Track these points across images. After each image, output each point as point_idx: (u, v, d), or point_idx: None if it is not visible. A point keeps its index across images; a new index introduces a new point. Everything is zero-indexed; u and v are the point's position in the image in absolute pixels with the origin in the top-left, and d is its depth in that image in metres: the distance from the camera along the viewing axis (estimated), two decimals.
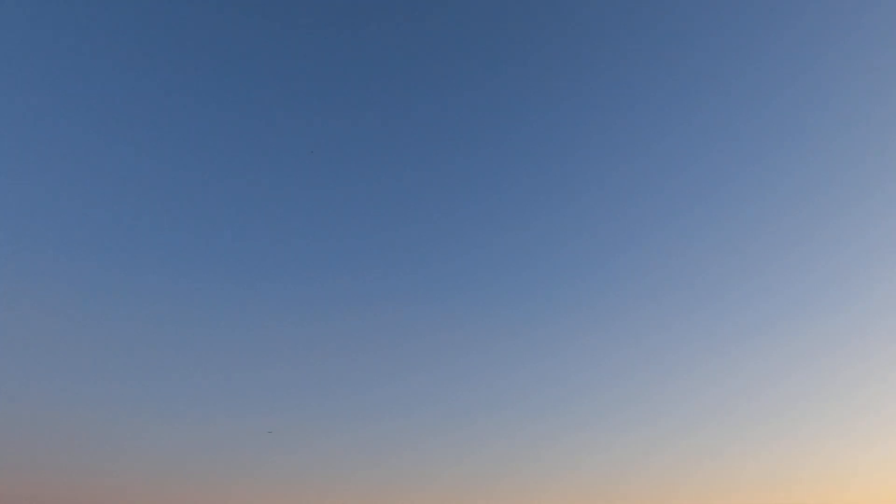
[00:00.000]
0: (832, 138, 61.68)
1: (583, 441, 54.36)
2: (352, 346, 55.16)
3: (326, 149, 60.62)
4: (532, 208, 66.48)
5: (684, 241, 63.18)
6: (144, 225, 53.31)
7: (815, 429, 51.25)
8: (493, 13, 59.15)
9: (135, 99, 52.35)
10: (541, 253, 66.45)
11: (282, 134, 57.11)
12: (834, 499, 44.36)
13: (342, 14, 55.45)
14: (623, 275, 62.27)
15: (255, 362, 54.73)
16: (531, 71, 59.48)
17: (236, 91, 56.27)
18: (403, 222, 61.67)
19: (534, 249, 66.41)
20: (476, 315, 59.93)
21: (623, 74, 61.53)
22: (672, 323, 60.61)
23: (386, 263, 60.44)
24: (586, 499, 49.57)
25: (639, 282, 63.18)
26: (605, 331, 61.62)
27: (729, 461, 51.70)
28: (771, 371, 56.96)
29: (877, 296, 49.72)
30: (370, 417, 54.08)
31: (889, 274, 50.26)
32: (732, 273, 63.76)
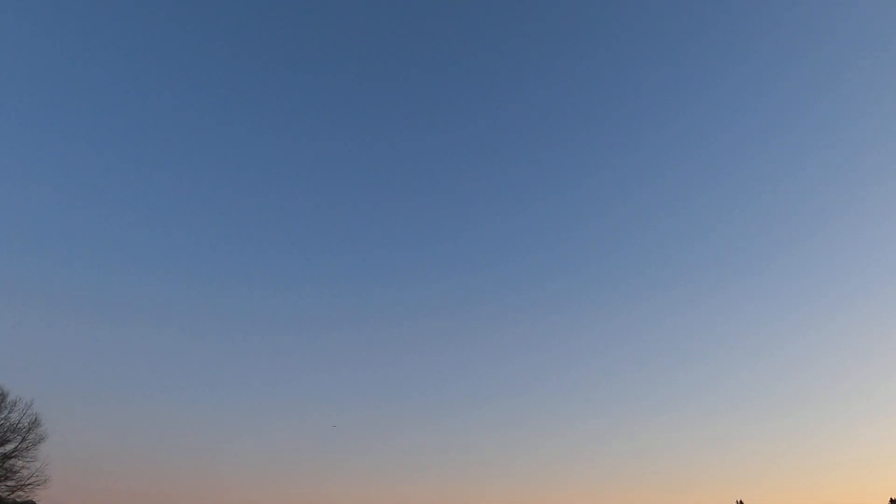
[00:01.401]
0: (837, 134, 61.85)
1: (599, 429, 53.82)
2: (356, 336, 54.72)
3: (342, 141, 60.46)
4: (559, 198, 66.34)
5: (694, 236, 62.89)
6: (143, 229, 52.94)
7: (838, 422, 50.58)
8: (513, 15, 59.06)
9: (148, 102, 52.24)
10: (550, 244, 66.07)
11: (303, 124, 57.10)
12: (855, 490, 43.88)
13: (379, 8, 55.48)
14: (641, 268, 62.02)
15: (255, 356, 54.31)
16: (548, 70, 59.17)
17: (245, 88, 56.18)
18: (406, 216, 61.62)
19: (540, 240, 65.97)
20: (493, 307, 59.69)
21: (626, 69, 61.39)
22: (689, 315, 60.36)
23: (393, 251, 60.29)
24: (602, 486, 49.24)
25: (656, 273, 63.09)
26: (624, 322, 61.62)
27: (742, 453, 51.06)
28: (790, 364, 56.42)
29: None
30: (381, 405, 53.68)
31: None
32: (753, 264, 63.38)
